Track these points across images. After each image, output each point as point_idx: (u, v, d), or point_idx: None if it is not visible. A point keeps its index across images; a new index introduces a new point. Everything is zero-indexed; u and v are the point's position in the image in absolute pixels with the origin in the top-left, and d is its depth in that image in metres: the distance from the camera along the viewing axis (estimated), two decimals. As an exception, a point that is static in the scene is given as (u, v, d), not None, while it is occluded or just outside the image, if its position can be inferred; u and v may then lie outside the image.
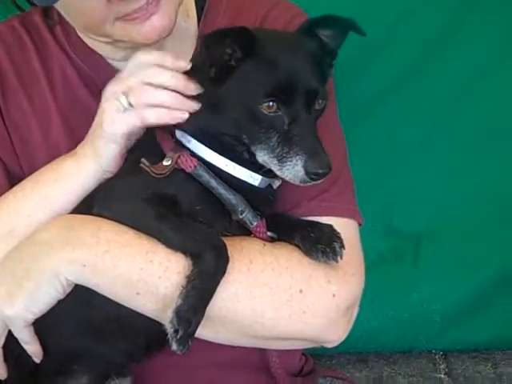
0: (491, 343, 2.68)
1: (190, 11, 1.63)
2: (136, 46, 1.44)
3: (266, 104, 1.26)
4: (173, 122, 1.32)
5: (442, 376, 2.60)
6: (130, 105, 1.32)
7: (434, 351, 2.70)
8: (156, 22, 1.38)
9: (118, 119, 1.33)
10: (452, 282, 2.55)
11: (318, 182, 1.26)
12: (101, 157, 1.37)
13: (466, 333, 2.62)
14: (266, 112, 1.26)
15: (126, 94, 1.32)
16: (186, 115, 1.32)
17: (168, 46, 1.55)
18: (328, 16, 1.33)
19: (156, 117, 1.32)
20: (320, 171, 1.23)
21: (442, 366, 2.64)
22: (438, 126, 2.41)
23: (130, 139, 1.38)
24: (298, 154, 1.24)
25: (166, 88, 1.32)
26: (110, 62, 1.57)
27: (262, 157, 1.30)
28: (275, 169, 1.29)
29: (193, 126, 1.34)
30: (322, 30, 1.35)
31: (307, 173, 1.23)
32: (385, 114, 2.37)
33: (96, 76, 1.55)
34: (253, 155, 1.31)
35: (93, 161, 1.39)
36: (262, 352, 1.57)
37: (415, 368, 2.64)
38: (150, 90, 1.32)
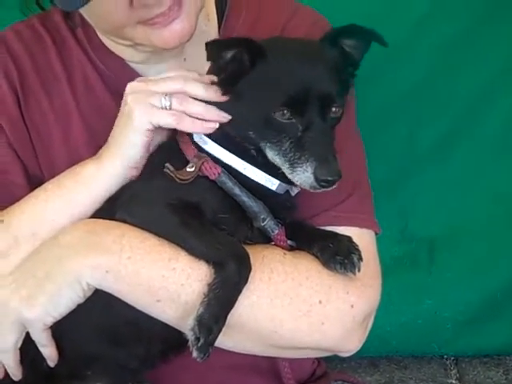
0: (503, 349, 2.69)
1: (210, 15, 1.63)
2: (156, 50, 1.45)
3: (280, 112, 1.26)
4: (203, 132, 1.34)
5: (454, 381, 2.61)
6: (171, 107, 1.34)
7: (445, 356, 2.71)
8: (177, 28, 1.38)
9: (152, 112, 1.34)
10: (465, 289, 2.55)
11: (328, 189, 1.26)
12: (125, 153, 1.37)
13: (478, 339, 2.63)
14: (279, 119, 1.27)
15: (168, 95, 1.34)
16: (217, 126, 1.33)
17: (188, 51, 1.55)
18: (351, 26, 1.33)
19: (191, 127, 1.34)
20: (329, 178, 1.24)
21: (454, 372, 2.64)
22: (455, 132, 2.41)
23: (154, 140, 1.39)
24: (308, 161, 1.25)
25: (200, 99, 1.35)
26: (131, 65, 1.57)
27: (273, 156, 1.30)
28: (286, 172, 1.29)
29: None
30: (346, 40, 1.35)
31: (317, 179, 1.24)
32: (402, 120, 2.38)
33: (117, 78, 1.55)
34: (261, 152, 1.32)
35: (117, 160, 1.39)
36: (274, 358, 1.57)
37: (426, 373, 2.64)
38: (191, 100, 1.34)
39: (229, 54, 1.27)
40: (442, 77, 2.33)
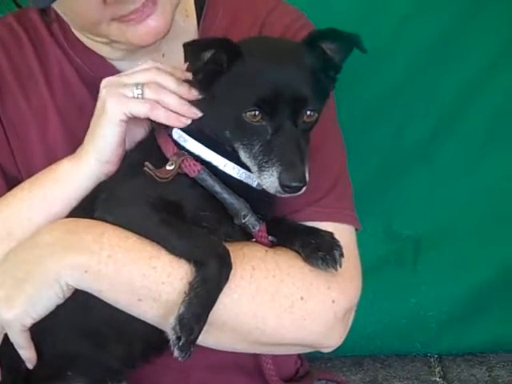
0: (486, 347, 2.70)
1: (189, 11, 1.62)
2: (132, 48, 1.44)
3: (251, 113, 1.26)
4: (176, 125, 1.34)
5: (437, 379, 2.62)
6: (143, 96, 1.33)
7: (429, 354, 2.72)
8: (151, 24, 1.37)
9: (124, 102, 1.33)
10: (449, 287, 2.57)
11: (294, 194, 1.25)
12: (99, 146, 1.36)
13: (462, 337, 2.64)
14: (249, 121, 1.26)
15: (140, 86, 1.33)
16: (189, 121, 1.33)
17: (165, 47, 1.54)
18: (331, 30, 1.31)
19: (164, 116, 1.33)
20: (293, 184, 1.23)
21: (437, 370, 2.66)
22: (439, 130, 2.42)
23: (130, 136, 1.38)
24: (274, 165, 1.24)
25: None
26: (110, 61, 1.56)
27: (244, 157, 1.30)
28: (255, 175, 1.29)
29: (191, 125, 1.35)
30: (327, 43, 1.33)
31: (281, 185, 1.23)
32: (386, 119, 2.39)
33: (94, 74, 1.54)
34: (236, 152, 1.31)
35: (91, 155, 1.37)
36: (257, 357, 1.57)
37: (410, 371, 2.66)
38: (164, 90, 1.34)
39: (206, 55, 1.26)
40: (427, 75, 2.34)
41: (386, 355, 2.71)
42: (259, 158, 1.26)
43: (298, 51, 1.32)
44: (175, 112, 1.33)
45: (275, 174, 1.23)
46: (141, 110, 1.33)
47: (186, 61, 1.27)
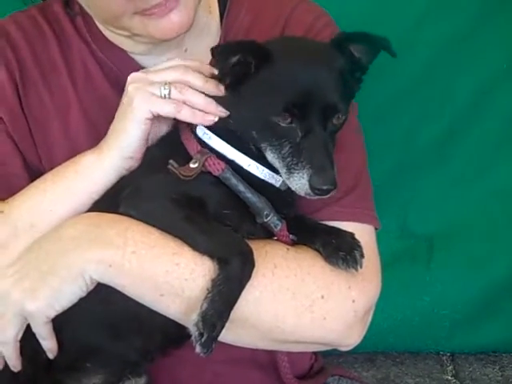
0: (499, 346, 2.70)
1: (212, 7, 1.62)
2: (154, 42, 1.45)
3: (281, 116, 1.26)
4: (203, 123, 1.34)
5: (449, 378, 2.62)
6: (169, 96, 1.33)
7: (441, 353, 2.72)
8: (174, 19, 1.38)
9: (151, 100, 1.34)
10: (463, 286, 2.57)
11: (324, 197, 1.27)
12: (123, 142, 1.37)
13: (474, 336, 2.64)
14: (279, 123, 1.27)
15: (167, 85, 1.34)
16: (216, 119, 1.33)
17: (187, 42, 1.55)
18: (364, 34, 1.32)
19: (191, 115, 1.34)
20: (324, 187, 1.24)
21: (450, 368, 2.66)
22: (455, 129, 2.42)
23: (154, 132, 1.39)
24: (304, 168, 1.25)
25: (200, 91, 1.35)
26: (133, 56, 1.56)
27: (271, 158, 1.31)
28: (283, 176, 1.30)
29: (216, 123, 1.35)
30: (355, 45, 1.34)
31: (311, 187, 1.24)
32: (402, 117, 2.38)
33: (117, 69, 1.55)
34: (262, 152, 1.32)
35: (114, 150, 1.38)
36: (272, 353, 1.58)
37: (422, 369, 2.66)
38: (190, 90, 1.34)
39: (234, 59, 1.27)
40: (443, 74, 2.33)
41: (398, 352, 2.72)
42: (288, 159, 1.27)
43: (327, 53, 1.33)
44: (201, 110, 1.34)
45: (305, 176, 1.24)
46: (167, 110, 1.33)
47: (214, 64, 1.29)
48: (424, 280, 2.59)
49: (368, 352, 2.71)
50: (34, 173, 1.50)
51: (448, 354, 2.71)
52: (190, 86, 1.35)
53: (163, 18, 1.37)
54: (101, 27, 1.55)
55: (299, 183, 1.26)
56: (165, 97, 1.33)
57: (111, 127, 1.41)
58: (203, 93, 1.35)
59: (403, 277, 2.57)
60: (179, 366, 1.57)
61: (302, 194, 1.27)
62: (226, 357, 1.60)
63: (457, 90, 2.37)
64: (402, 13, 2.25)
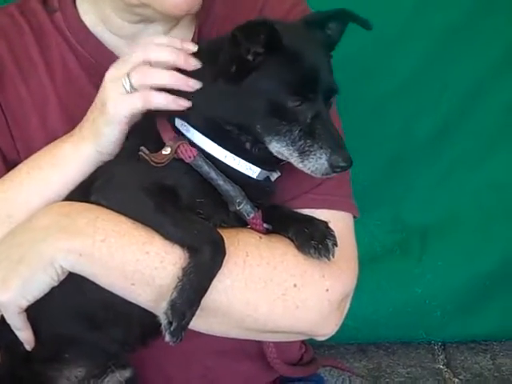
0: (490, 334, 2.71)
1: None
2: (153, 18, 1.45)
3: (292, 99, 1.26)
4: (177, 108, 1.31)
5: (441, 367, 2.63)
6: (133, 87, 1.31)
7: (433, 342, 2.73)
8: None
9: (121, 101, 1.32)
10: (455, 277, 2.58)
11: (337, 174, 1.28)
12: (100, 138, 1.36)
13: (466, 325, 2.66)
14: (290, 106, 1.27)
15: (128, 75, 1.31)
16: (189, 103, 1.30)
17: (172, 34, 1.54)
18: (342, 11, 1.35)
19: (160, 102, 1.31)
20: (344, 164, 1.25)
21: (441, 357, 2.66)
22: (449, 124, 2.43)
23: (131, 122, 1.37)
24: (322, 148, 1.26)
25: (166, 67, 1.32)
26: (111, 48, 1.56)
27: (278, 148, 1.30)
28: (295, 161, 1.29)
29: (195, 115, 1.33)
30: (329, 23, 1.36)
31: (331, 166, 1.25)
32: (395, 110, 2.40)
33: (97, 63, 1.54)
34: (260, 145, 1.31)
35: (91, 143, 1.38)
36: (259, 341, 1.57)
37: (414, 358, 2.67)
38: (151, 70, 1.31)
39: (262, 37, 1.25)
40: (437, 69, 2.35)
41: (389, 342, 2.73)
42: (300, 143, 1.27)
43: (313, 34, 1.35)
44: (174, 86, 1.30)
45: (324, 156, 1.25)
46: (135, 104, 1.31)
47: (236, 45, 1.25)
48: (416, 271, 2.61)
49: (359, 343, 2.71)
50: (12, 165, 1.49)
51: (439, 344, 2.71)
52: (156, 65, 1.31)
53: None
54: (84, 16, 1.54)
55: (317, 164, 1.26)
56: (130, 89, 1.31)
57: (86, 118, 1.40)
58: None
59: (395, 268, 2.58)
60: (166, 358, 1.57)
61: (319, 174, 1.28)
62: (215, 348, 1.60)
63: (451, 84, 2.38)
64: (396, 7, 2.25)
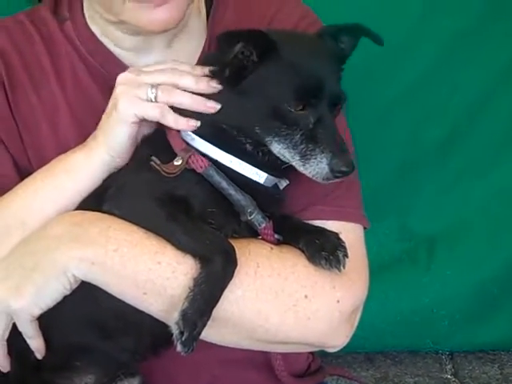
0: (498, 345, 2.70)
1: (201, 9, 1.62)
2: (139, 34, 1.46)
3: (294, 103, 1.27)
4: (186, 129, 1.34)
5: (449, 376, 2.62)
6: (155, 99, 1.33)
7: (440, 352, 2.72)
8: (166, 12, 1.38)
9: (137, 103, 1.34)
10: (462, 286, 2.57)
11: (339, 180, 1.28)
12: (111, 143, 1.37)
13: (474, 334, 2.65)
14: (292, 110, 1.27)
15: (154, 88, 1.34)
16: (198, 124, 1.33)
17: (176, 45, 1.56)
18: (348, 25, 1.36)
19: (174, 122, 1.34)
20: (345, 169, 1.25)
21: (449, 367, 2.66)
22: (456, 131, 2.43)
23: (140, 131, 1.39)
24: (323, 152, 1.26)
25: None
26: (120, 57, 1.57)
27: (279, 149, 1.30)
28: (297, 164, 1.30)
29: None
30: (342, 36, 1.37)
31: (332, 170, 1.25)
32: (402, 118, 2.39)
33: (106, 72, 1.55)
34: (263, 148, 1.32)
35: (103, 149, 1.39)
36: (267, 352, 1.57)
37: (421, 368, 2.66)
38: (176, 92, 1.34)
39: (239, 46, 1.27)
40: (445, 74, 2.34)
41: (397, 352, 2.72)
42: (301, 146, 1.28)
43: (322, 43, 1.36)
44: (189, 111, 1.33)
45: (325, 160, 1.26)
46: (152, 114, 1.33)
47: (219, 50, 1.29)
48: (423, 281, 2.60)
49: (367, 352, 2.71)
50: (24, 174, 1.50)
51: (447, 353, 2.70)
52: (181, 88, 1.34)
53: (155, 9, 1.37)
54: (92, 25, 1.56)
55: (317, 168, 1.26)
56: (151, 100, 1.33)
57: (99, 126, 1.41)
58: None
59: (403, 277, 2.57)
60: (175, 367, 1.57)
61: (320, 179, 1.28)
62: (222, 357, 1.60)
63: (459, 90, 2.37)
64: (404, 13, 2.25)
